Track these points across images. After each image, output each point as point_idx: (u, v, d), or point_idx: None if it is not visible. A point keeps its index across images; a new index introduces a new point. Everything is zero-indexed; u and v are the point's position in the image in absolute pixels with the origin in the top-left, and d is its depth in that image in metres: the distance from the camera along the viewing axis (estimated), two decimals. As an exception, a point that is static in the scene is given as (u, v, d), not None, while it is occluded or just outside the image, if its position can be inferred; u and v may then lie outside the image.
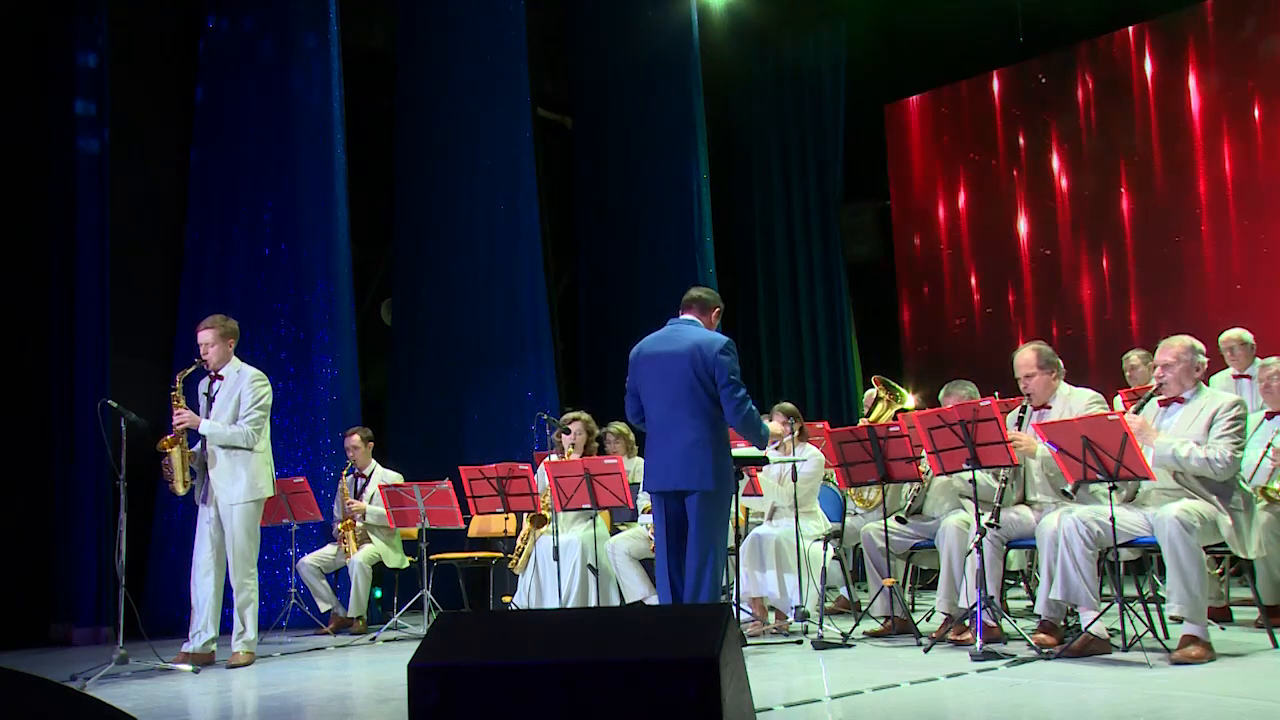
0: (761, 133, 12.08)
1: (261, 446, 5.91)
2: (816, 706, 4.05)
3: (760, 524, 6.36)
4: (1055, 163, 10.60)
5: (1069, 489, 5.04)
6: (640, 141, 10.63)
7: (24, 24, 7.55)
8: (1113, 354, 8.92)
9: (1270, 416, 5.88)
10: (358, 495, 7.44)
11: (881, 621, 5.68)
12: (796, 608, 5.95)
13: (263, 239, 7.90)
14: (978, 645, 4.76)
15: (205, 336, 5.93)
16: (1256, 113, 9.39)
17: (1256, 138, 9.39)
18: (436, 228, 8.86)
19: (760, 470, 6.17)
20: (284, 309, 7.82)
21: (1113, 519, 4.58)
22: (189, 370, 5.94)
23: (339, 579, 7.47)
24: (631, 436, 6.88)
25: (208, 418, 5.83)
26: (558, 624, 2.97)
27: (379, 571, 7.47)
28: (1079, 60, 10.48)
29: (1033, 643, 4.85)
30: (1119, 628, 4.72)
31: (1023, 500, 5.31)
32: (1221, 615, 5.59)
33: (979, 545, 4.94)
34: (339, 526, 7.36)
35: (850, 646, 5.38)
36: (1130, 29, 10.12)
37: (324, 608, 7.34)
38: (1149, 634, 4.79)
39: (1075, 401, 5.17)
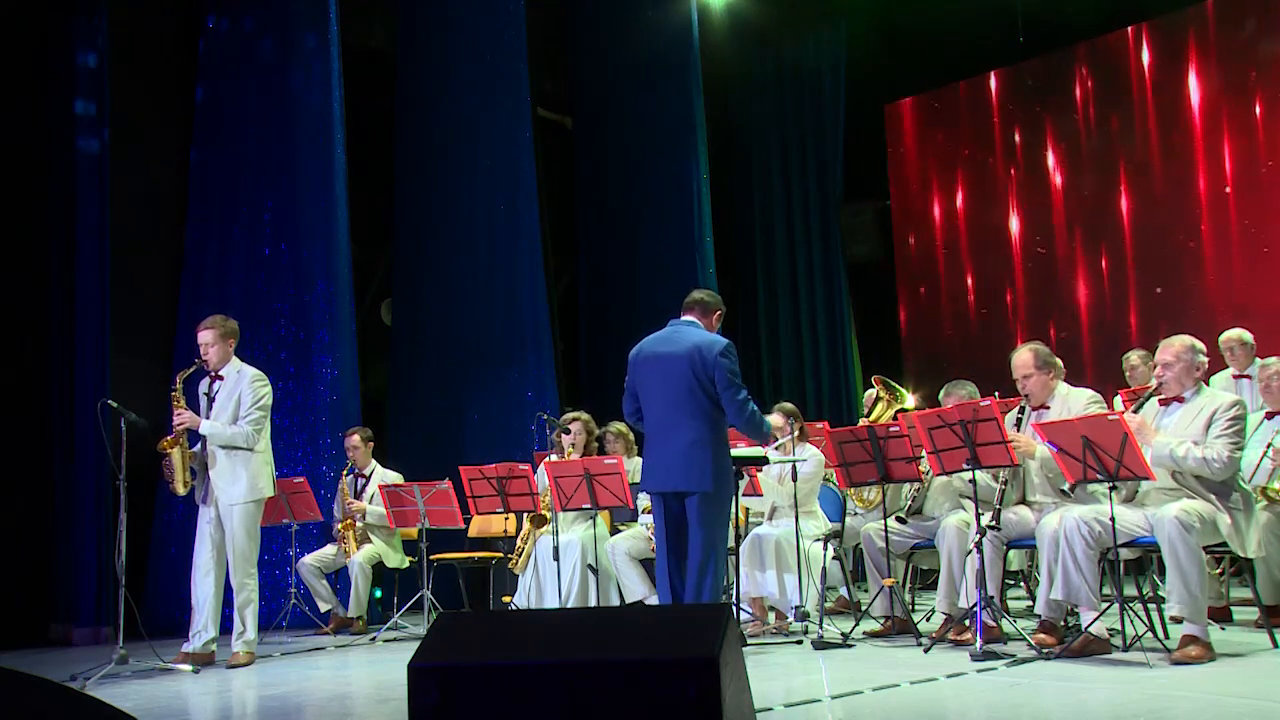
0: (761, 133, 12.07)
1: (262, 447, 5.91)
2: (816, 706, 4.05)
3: (760, 524, 6.35)
4: (1055, 163, 10.60)
5: (1068, 488, 5.04)
6: (640, 141, 10.63)
7: (24, 24, 7.54)
8: (1111, 354, 8.92)
9: (1270, 416, 5.88)
10: (358, 495, 7.44)
11: (881, 621, 5.68)
12: (796, 608, 5.94)
13: (263, 239, 7.90)
14: (978, 645, 4.76)
15: (205, 337, 5.93)
16: (1257, 111, 9.38)
17: (1257, 136, 9.38)
18: (436, 228, 8.86)
19: (760, 470, 6.17)
20: (284, 309, 7.83)
21: (1113, 519, 4.58)
22: (189, 370, 5.94)
23: (339, 579, 7.47)
24: (631, 436, 6.88)
25: (208, 418, 5.83)
26: (558, 624, 2.97)
27: (379, 571, 7.47)
28: (1078, 60, 10.47)
29: (1033, 643, 4.85)
30: (1119, 628, 4.72)
31: (1022, 500, 5.32)
32: (1221, 615, 5.59)
33: (979, 545, 4.94)
34: (339, 526, 7.36)
35: (850, 646, 5.38)
36: (1129, 29, 10.12)
37: (324, 608, 7.34)
38: (1149, 634, 4.79)
39: (1074, 401, 5.17)
